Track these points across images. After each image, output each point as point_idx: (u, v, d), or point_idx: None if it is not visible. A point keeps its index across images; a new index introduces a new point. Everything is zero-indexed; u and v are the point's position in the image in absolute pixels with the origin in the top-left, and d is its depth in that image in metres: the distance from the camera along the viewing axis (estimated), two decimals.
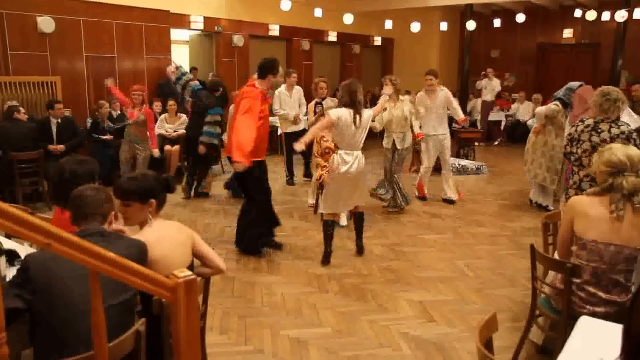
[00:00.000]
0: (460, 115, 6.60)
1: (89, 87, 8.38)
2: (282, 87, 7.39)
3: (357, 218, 4.88)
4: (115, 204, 2.38)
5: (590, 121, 3.90)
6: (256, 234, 4.85)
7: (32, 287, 1.89)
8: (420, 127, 6.33)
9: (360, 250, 4.91)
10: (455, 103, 6.65)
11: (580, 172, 3.93)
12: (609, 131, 3.78)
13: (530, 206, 6.64)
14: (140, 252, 2.20)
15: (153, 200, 2.47)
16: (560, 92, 6.12)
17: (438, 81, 6.48)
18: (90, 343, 1.73)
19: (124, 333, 1.97)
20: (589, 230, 2.56)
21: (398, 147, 6.08)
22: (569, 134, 4.04)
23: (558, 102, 6.02)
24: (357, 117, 4.42)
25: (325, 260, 4.68)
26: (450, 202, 6.73)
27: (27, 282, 1.89)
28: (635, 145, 3.57)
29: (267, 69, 4.58)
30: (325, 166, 5.83)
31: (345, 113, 4.42)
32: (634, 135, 3.79)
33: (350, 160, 4.49)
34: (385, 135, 6.22)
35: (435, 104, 6.44)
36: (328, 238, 4.70)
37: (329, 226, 4.69)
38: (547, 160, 6.19)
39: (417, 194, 6.94)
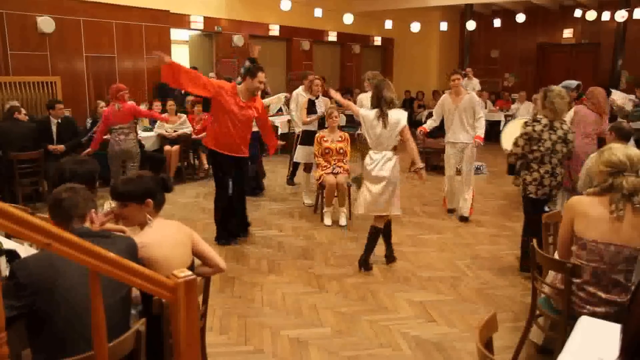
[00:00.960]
0: (477, 131, 5.80)
1: (89, 87, 8.39)
2: (300, 89, 7.33)
3: (384, 226, 4.59)
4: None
5: (545, 120, 4.09)
6: (217, 221, 5.18)
7: (26, 292, 1.87)
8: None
9: (388, 258, 4.69)
10: (480, 113, 5.85)
11: (540, 169, 4.10)
12: (562, 128, 4.10)
13: None
14: (129, 250, 2.18)
15: (150, 200, 2.47)
16: None
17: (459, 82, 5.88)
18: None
19: (123, 331, 1.97)
20: (589, 230, 2.56)
21: None
22: (526, 134, 4.13)
23: None
24: (383, 118, 4.27)
25: (361, 265, 4.52)
26: (464, 219, 6.01)
27: (17, 289, 1.86)
28: (570, 141, 4.12)
29: (245, 71, 5.00)
30: (325, 167, 5.86)
31: (370, 114, 4.33)
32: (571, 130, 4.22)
33: (377, 159, 4.33)
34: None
35: (459, 109, 5.83)
36: (369, 244, 4.51)
37: (372, 232, 4.50)
38: None
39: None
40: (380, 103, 4.31)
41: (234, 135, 4.87)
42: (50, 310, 1.90)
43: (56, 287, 1.90)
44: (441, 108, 6.03)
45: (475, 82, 11.99)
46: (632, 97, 9.43)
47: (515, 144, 4.19)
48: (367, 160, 4.45)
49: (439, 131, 6.59)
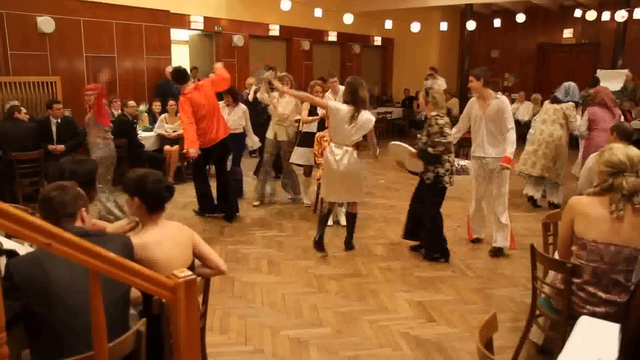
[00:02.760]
0: (506, 150, 4.61)
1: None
2: (328, 92, 6.99)
3: (349, 217, 5.05)
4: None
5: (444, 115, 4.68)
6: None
7: (21, 292, 1.85)
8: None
9: (347, 245, 5.05)
10: (509, 121, 4.64)
11: (450, 159, 4.64)
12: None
13: (529, 203, 6.66)
14: (126, 248, 2.17)
15: (137, 199, 2.45)
16: (575, 95, 6.32)
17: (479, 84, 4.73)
18: (90, 342, 1.73)
19: (121, 332, 1.96)
20: (589, 231, 2.56)
21: (278, 139, 6.43)
22: (448, 124, 4.54)
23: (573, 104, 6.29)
24: (355, 115, 4.54)
25: (316, 245, 4.87)
26: (498, 252, 4.91)
27: (12, 290, 1.83)
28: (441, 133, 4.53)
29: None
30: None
31: (344, 109, 4.57)
32: None
33: (339, 153, 4.61)
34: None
35: (486, 116, 4.73)
36: (320, 222, 4.90)
37: (324, 212, 4.95)
38: (559, 156, 6.35)
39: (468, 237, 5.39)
40: (357, 102, 4.56)
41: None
42: (46, 312, 1.88)
43: (49, 288, 1.88)
44: (467, 115, 4.97)
45: (442, 82, 12.01)
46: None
47: (445, 133, 4.50)
48: (328, 153, 4.69)
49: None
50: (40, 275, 1.88)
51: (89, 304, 1.68)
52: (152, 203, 2.47)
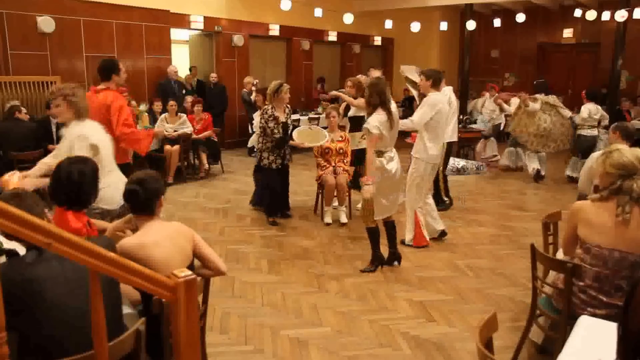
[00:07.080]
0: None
1: (89, 87, 8.38)
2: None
3: (389, 227, 4.58)
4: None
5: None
6: None
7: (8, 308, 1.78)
8: None
9: (394, 257, 4.62)
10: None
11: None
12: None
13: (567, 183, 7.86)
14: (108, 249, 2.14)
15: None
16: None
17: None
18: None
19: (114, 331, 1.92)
20: (592, 236, 2.53)
21: None
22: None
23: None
24: (391, 115, 4.19)
25: (375, 263, 4.55)
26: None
27: None
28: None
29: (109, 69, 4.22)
30: (325, 166, 5.85)
31: (380, 118, 4.16)
32: None
33: (395, 157, 4.36)
34: None
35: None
36: (376, 242, 4.53)
37: (374, 232, 4.50)
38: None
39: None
40: (385, 103, 4.19)
41: None
42: (32, 329, 1.80)
43: (35, 305, 1.79)
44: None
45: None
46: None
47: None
48: (385, 160, 4.24)
49: None
50: (27, 289, 1.79)
51: (81, 317, 1.64)
52: (130, 205, 2.52)
